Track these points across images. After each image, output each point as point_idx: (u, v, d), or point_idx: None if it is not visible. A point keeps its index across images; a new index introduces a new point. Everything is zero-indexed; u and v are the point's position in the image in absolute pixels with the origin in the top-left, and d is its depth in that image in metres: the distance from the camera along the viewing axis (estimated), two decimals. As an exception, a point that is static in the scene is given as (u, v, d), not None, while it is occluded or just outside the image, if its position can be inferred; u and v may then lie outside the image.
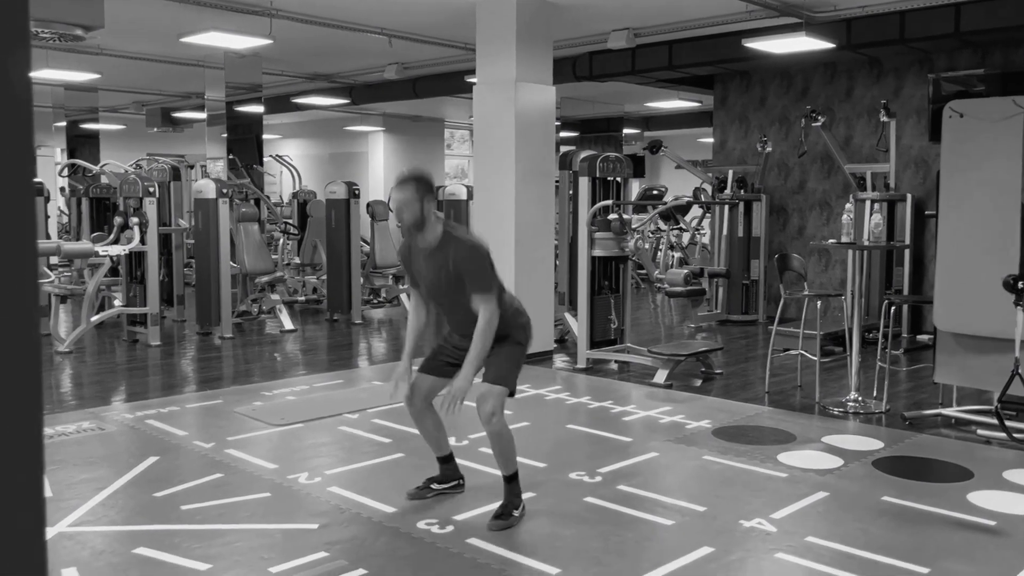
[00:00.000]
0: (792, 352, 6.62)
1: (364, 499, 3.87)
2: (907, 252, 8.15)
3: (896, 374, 6.69)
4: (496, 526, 3.52)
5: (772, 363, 6.42)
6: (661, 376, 6.40)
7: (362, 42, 9.02)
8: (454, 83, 10.65)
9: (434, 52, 9.55)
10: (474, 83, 7.52)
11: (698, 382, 6.55)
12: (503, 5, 7.09)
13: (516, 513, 3.60)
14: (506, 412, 5.43)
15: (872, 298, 8.07)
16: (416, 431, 3.94)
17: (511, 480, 3.65)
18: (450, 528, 3.54)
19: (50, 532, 3.48)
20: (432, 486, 3.89)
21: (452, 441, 4.64)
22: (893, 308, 6.06)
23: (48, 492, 3.97)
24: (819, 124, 8.09)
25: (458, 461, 3.99)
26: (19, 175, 0.75)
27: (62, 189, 11.66)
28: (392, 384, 3.65)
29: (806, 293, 6.33)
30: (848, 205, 5.96)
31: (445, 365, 3.69)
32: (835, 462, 4.51)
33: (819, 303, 6.24)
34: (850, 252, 5.89)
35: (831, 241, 6.06)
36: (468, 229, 3.62)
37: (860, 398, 5.69)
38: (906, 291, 8.17)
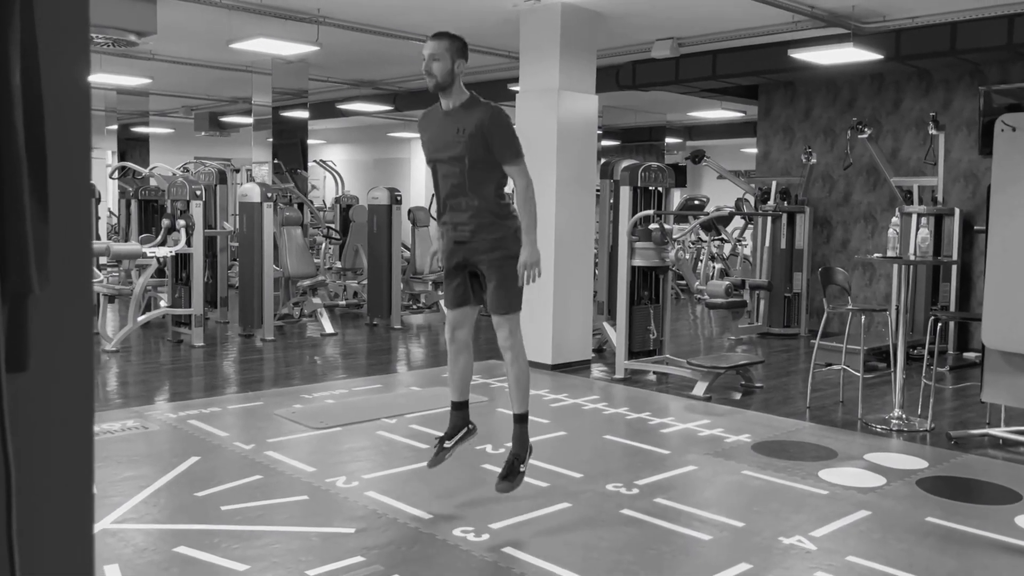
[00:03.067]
0: (835, 367, 6.52)
1: (401, 504, 3.89)
2: (954, 268, 8.00)
3: (941, 392, 6.56)
4: (503, 487, 3.56)
5: (814, 378, 6.33)
6: (700, 388, 6.35)
7: (407, 49, 9.10)
8: (497, 91, 10.67)
9: (478, 60, 9.58)
10: (517, 91, 7.54)
11: (738, 395, 6.48)
12: (548, 14, 7.11)
13: (523, 468, 3.67)
14: (543, 421, 5.46)
15: (917, 314, 7.93)
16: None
17: (521, 421, 3.71)
18: (486, 536, 3.54)
19: (95, 528, 3.54)
20: (445, 445, 3.90)
21: (488, 448, 4.66)
22: (939, 324, 5.95)
23: (93, 489, 4.04)
24: (865, 136, 7.98)
25: (493, 468, 3.99)
26: (78, 179, 0.77)
27: (123, 192, 11.91)
28: (431, 257, 3.80)
29: (850, 307, 6.24)
30: (894, 219, 5.87)
31: (463, 283, 3.70)
32: (878, 480, 4.43)
33: (863, 318, 6.14)
34: (896, 267, 5.80)
35: (876, 255, 5.97)
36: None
37: (904, 416, 5.59)
38: (953, 307, 8.02)
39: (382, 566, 3.23)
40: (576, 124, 7.23)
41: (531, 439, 4.98)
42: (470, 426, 3.96)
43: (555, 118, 7.06)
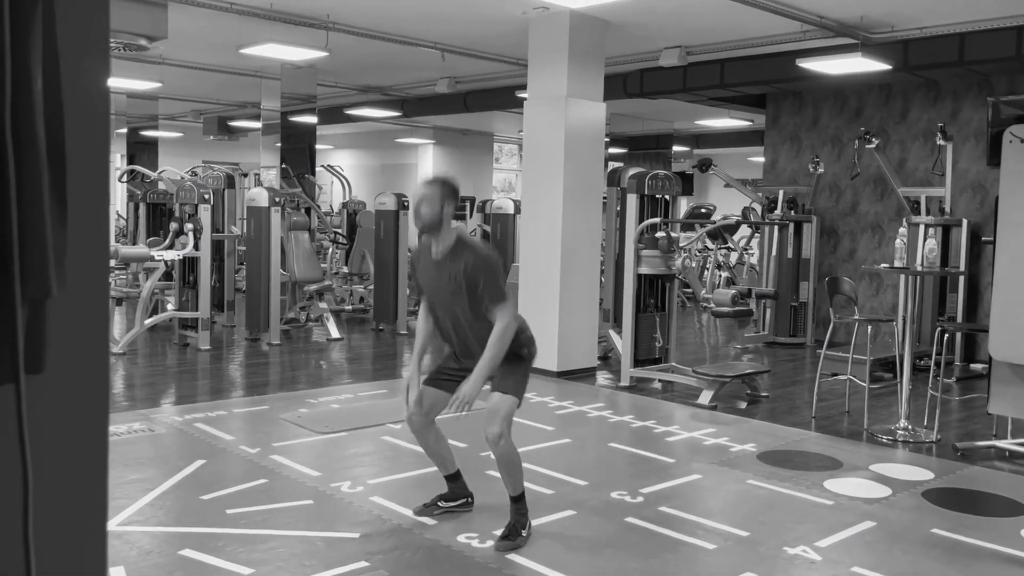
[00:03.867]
0: (841, 377, 6.51)
1: (405, 510, 3.89)
2: (962, 279, 7.98)
3: (948, 403, 6.54)
4: (504, 547, 3.47)
5: (820, 387, 6.32)
6: (706, 397, 6.34)
7: (415, 56, 9.14)
8: (505, 98, 10.72)
9: (486, 67, 9.62)
10: (525, 98, 7.56)
11: (743, 404, 6.47)
12: (556, 22, 7.13)
13: (524, 533, 3.56)
14: (548, 428, 5.46)
15: (924, 324, 7.91)
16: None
17: (518, 500, 3.60)
18: (490, 542, 3.54)
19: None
20: (439, 503, 3.86)
21: (492, 455, 4.66)
22: (946, 335, 5.94)
23: (99, 491, 4.06)
24: (873, 146, 7.97)
25: (497, 475, 3.98)
26: (97, 183, 0.78)
27: (131, 195, 11.95)
28: (404, 391, 3.66)
29: (856, 317, 6.23)
30: (901, 229, 5.87)
31: (448, 380, 3.64)
32: (883, 491, 4.42)
33: (869, 328, 6.13)
34: (902, 277, 5.79)
35: (883, 265, 5.96)
36: (480, 241, 3.62)
37: (910, 426, 5.58)
38: (960, 318, 8.00)
39: (386, 571, 3.24)
40: (584, 131, 7.24)
41: (537, 446, 5.01)
42: (469, 499, 3.89)
43: (563, 125, 7.07)
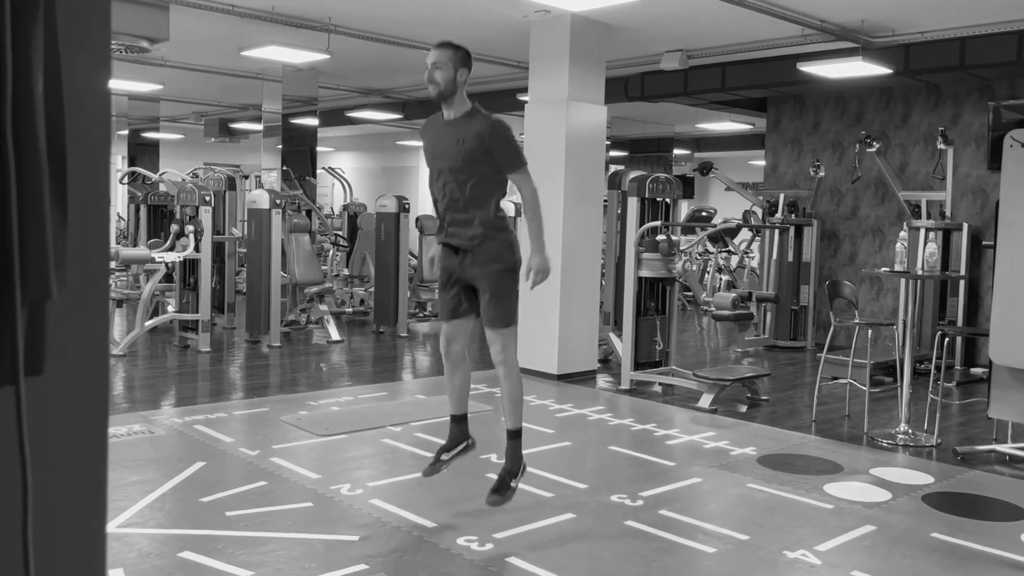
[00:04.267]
0: (841, 381, 6.51)
1: (405, 513, 3.89)
2: (962, 283, 7.98)
3: (948, 407, 6.54)
4: (494, 501, 3.53)
5: (820, 391, 6.32)
6: (706, 400, 6.34)
7: (417, 58, 9.11)
8: (506, 101, 10.72)
9: (487, 70, 9.63)
10: (526, 101, 7.57)
11: (744, 408, 6.47)
12: (557, 25, 7.14)
13: (514, 484, 3.64)
14: (548, 431, 5.46)
15: (925, 328, 7.91)
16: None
17: (515, 437, 3.67)
18: (490, 546, 3.54)
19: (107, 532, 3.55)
20: (442, 457, 3.88)
21: (493, 458, 4.66)
22: (946, 339, 5.93)
23: (99, 493, 4.06)
24: (874, 150, 7.98)
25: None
26: (97, 185, 0.78)
27: (132, 197, 11.96)
28: (428, 263, 3.80)
29: (857, 321, 6.23)
30: (902, 233, 5.87)
31: (460, 294, 3.66)
32: (883, 495, 4.42)
33: (869, 332, 6.13)
34: (903, 281, 5.79)
35: (884, 269, 5.96)
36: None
37: (910, 430, 5.58)
38: (960, 322, 7.99)
39: (385, 573, 3.24)
40: (584, 134, 7.25)
41: (537, 448, 5.01)
42: (469, 441, 3.93)
43: (564, 128, 7.08)
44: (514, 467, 3.72)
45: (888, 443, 5.49)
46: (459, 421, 3.93)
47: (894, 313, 8.57)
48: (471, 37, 8.20)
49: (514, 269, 3.62)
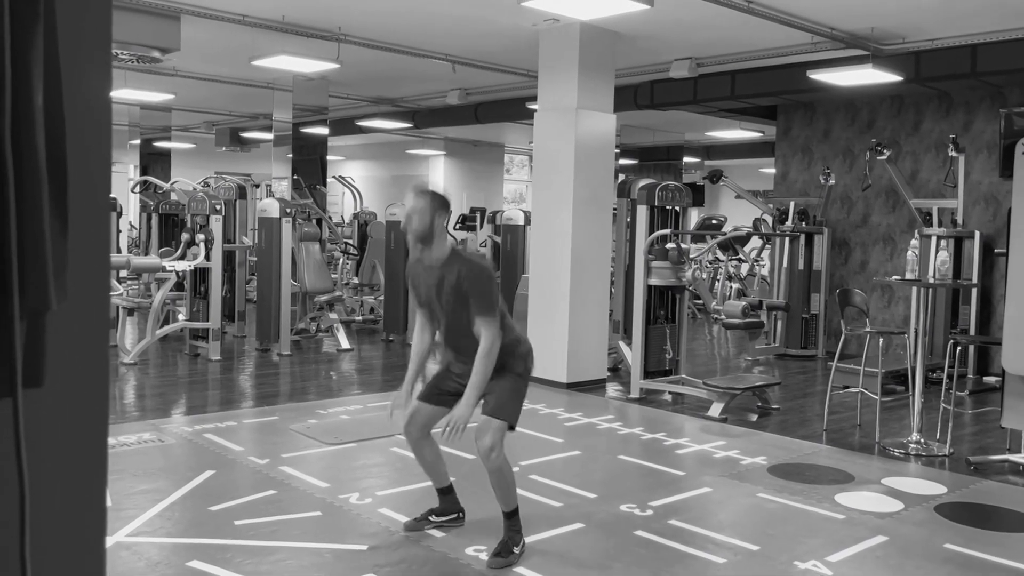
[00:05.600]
0: (852, 389, 6.47)
1: (413, 522, 3.87)
2: (974, 291, 7.93)
3: (960, 416, 6.49)
4: (496, 564, 3.41)
5: (831, 400, 6.28)
6: (716, 409, 6.31)
7: (426, 67, 9.17)
8: (515, 109, 10.74)
9: (496, 79, 9.65)
10: (535, 110, 7.58)
11: (754, 417, 6.44)
12: (566, 34, 7.15)
13: (516, 551, 3.49)
14: (557, 440, 5.44)
15: (937, 337, 7.86)
16: (439, 472, 3.82)
17: (511, 516, 3.54)
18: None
19: (109, 541, 3.55)
20: (431, 518, 3.80)
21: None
22: (959, 348, 5.89)
23: (108, 502, 4.06)
24: (884, 157, 7.94)
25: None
26: (98, 196, 0.78)
27: (144, 206, 12.02)
28: (389, 410, 3.60)
29: (868, 330, 6.19)
30: (913, 241, 5.83)
31: (445, 394, 3.60)
32: (895, 505, 4.38)
33: (881, 340, 6.09)
34: (915, 289, 5.75)
35: (895, 278, 5.92)
36: (476, 252, 3.56)
37: (922, 440, 5.53)
38: (973, 331, 7.94)
39: (394, 584, 3.23)
40: (594, 143, 7.24)
41: (546, 458, 5.00)
42: (460, 514, 3.84)
43: (573, 137, 7.08)
44: (515, 537, 3.56)
45: (900, 453, 5.45)
46: (446, 493, 3.83)
47: (906, 321, 8.51)
48: (480, 46, 8.24)
49: (522, 375, 3.54)
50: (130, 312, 9.36)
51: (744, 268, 13.95)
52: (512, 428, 3.49)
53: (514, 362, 3.51)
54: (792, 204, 9.46)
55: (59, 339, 0.70)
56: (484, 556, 3.51)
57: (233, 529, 3.74)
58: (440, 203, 3.44)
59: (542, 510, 4.10)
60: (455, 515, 3.84)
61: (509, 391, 3.48)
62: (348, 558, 3.47)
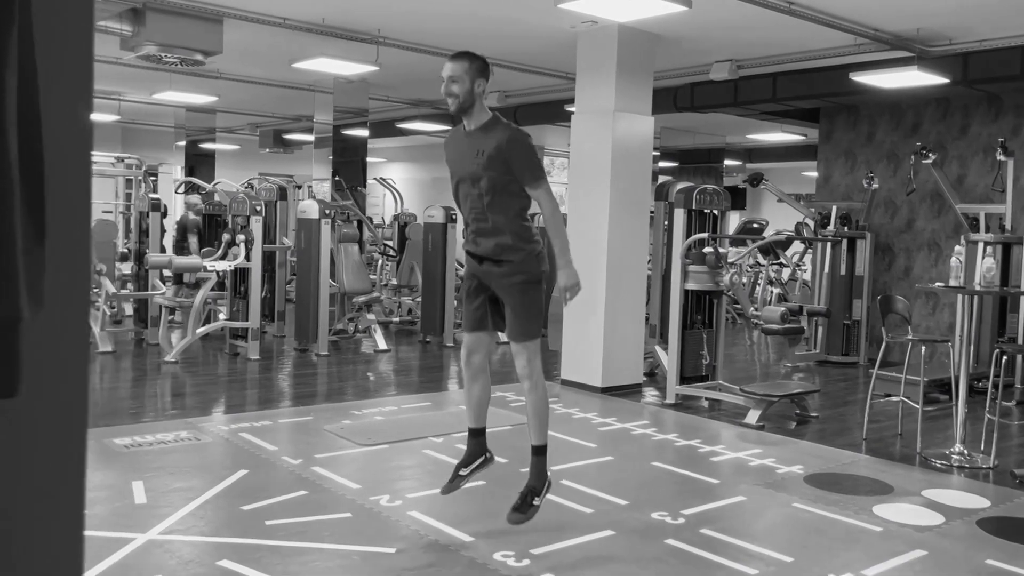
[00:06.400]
0: (894, 398, 6.33)
1: (443, 526, 3.87)
2: (1022, 299, 7.72)
3: (1006, 428, 6.31)
4: (514, 519, 3.44)
5: (871, 409, 6.16)
6: (753, 416, 6.22)
7: (465, 70, 9.17)
8: (554, 111, 10.72)
9: (535, 81, 9.63)
10: (573, 112, 7.54)
11: (792, 425, 6.34)
12: (604, 35, 7.11)
13: (537, 502, 3.53)
14: (590, 445, 5.41)
15: (983, 345, 7.67)
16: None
17: (540, 453, 3.58)
18: (526, 561, 3.50)
19: (141, 539, 3.61)
20: (460, 472, 3.80)
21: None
22: (1005, 357, 5.73)
23: (143, 499, 4.13)
24: (930, 161, 7.78)
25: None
26: (76, 203, 0.78)
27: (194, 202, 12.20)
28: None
29: (910, 337, 6.06)
30: (958, 247, 5.70)
31: (483, 312, 3.61)
32: (936, 519, 4.28)
33: (923, 348, 5.95)
34: (960, 297, 5.61)
35: (938, 284, 5.79)
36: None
37: (966, 451, 5.40)
38: (1020, 339, 7.72)
39: (420, 588, 3.22)
40: (631, 145, 7.19)
41: (578, 463, 4.97)
42: (487, 455, 3.84)
43: (610, 139, 7.04)
44: (537, 484, 3.62)
45: (942, 464, 5.32)
46: (477, 435, 3.84)
47: (951, 329, 8.32)
48: (519, 48, 8.22)
49: (539, 281, 3.55)
50: (171, 311, 9.51)
51: (786, 273, 13.75)
52: (544, 336, 3.59)
53: (530, 262, 3.50)
54: (834, 208, 9.30)
55: (36, 349, 0.69)
56: (512, 562, 3.50)
57: (264, 529, 3.76)
58: (480, 67, 3.40)
59: (572, 516, 4.07)
60: (482, 458, 3.83)
61: (528, 305, 3.51)
62: (376, 561, 3.48)
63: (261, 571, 3.31)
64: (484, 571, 3.42)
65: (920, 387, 5.95)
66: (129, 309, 9.80)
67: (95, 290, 8.68)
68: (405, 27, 7.62)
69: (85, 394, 0.79)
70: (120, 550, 3.47)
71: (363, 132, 11.48)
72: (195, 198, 10.12)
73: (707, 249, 6.77)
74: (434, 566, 3.46)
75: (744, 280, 13.10)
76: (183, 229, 9.86)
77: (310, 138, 12.69)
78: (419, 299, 10.38)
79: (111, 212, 14.33)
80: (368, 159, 12.22)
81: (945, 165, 8.75)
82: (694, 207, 7.02)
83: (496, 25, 7.40)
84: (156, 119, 15.19)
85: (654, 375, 7.97)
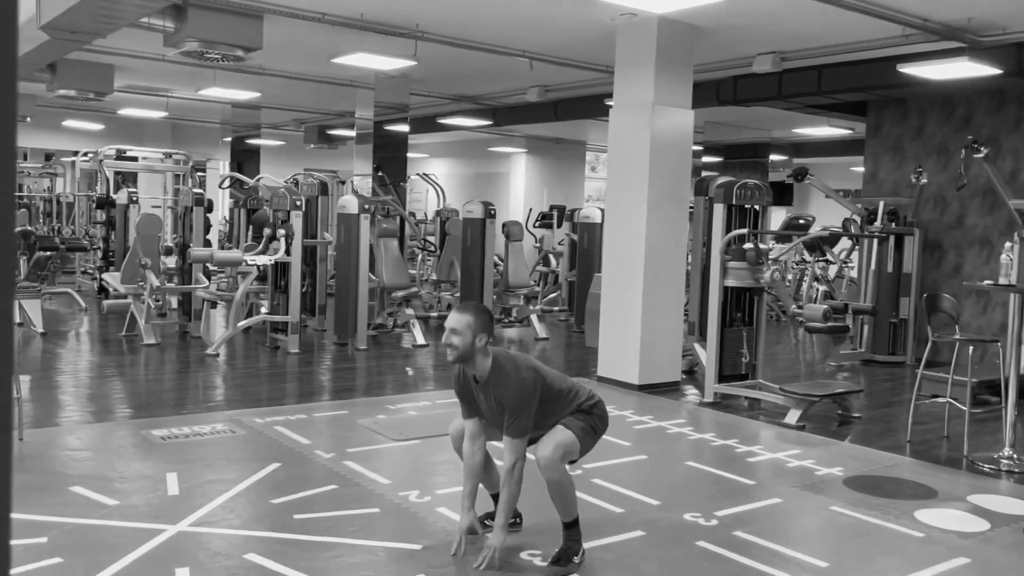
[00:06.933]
0: (940, 399, 6.15)
1: (470, 523, 3.83)
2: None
3: (1060, 431, 6.09)
4: (552, 572, 3.35)
5: (917, 410, 5.99)
6: (793, 416, 6.09)
7: (504, 64, 9.14)
8: (594, 106, 10.62)
9: (575, 75, 9.55)
10: (611, 106, 7.46)
11: (833, 425, 6.19)
12: (644, 28, 7.00)
13: (576, 560, 3.40)
14: (624, 443, 5.33)
15: (1036, 345, 7.40)
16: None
17: (571, 527, 3.44)
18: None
19: (172, 530, 3.64)
20: (486, 522, 3.70)
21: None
22: (1059, 358, 5.52)
23: (176, 490, 4.16)
24: (982, 156, 7.52)
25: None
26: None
27: (236, 201, 12.35)
28: (455, 542, 3.45)
29: (957, 337, 5.87)
30: (1008, 244, 5.51)
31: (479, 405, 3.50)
32: (981, 525, 4.13)
33: (971, 348, 5.76)
34: (1012, 295, 5.42)
35: (987, 282, 5.60)
36: (521, 360, 3.40)
37: (1015, 455, 5.21)
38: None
39: (444, 586, 3.19)
40: (671, 139, 7.08)
41: (611, 461, 4.90)
42: (517, 519, 3.74)
43: (648, 133, 6.93)
44: (574, 547, 3.47)
45: (990, 468, 5.15)
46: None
47: (1003, 329, 8.07)
48: (558, 41, 8.15)
49: (598, 429, 3.51)
50: (213, 304, 9.64)
51: (832, 270, 13.47)
52: (573, 461, 3.46)
53: (592, 419, 3.49)
54: (881, 204, 9.07)
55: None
56: (538, 561, 3.45)
57: (292, 523, 3.77)
58: (483, 322, 3.38)
59: (602, 515, 4.01)
60: (512, 520, 3.76)
61: (581, 426, 3.43)
62: (401, 557, 3.46)
63: (286, 565, 3.31)
64: (510, 569, 3.37)
65: (967, 388, 5.77)
66: (174, 302, 9.95)
67: (140, 283, 8.82)
68: (444, 21, 7.60)
69: (8, 410, 0.76)
70: (150, 541, 3.50)
71: (404, 128, 11.50)
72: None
73: (747, 245, 6.64)
74: (459, 564, 3.42)
75: (789, 277, 12.87)
76: (259, 224, 9.94)
77: (353, 134, 12.75)
78: (458, 294, 10.36)
79: (160, 207, 14.59)
80: (411, 155, 12.26)
81: (998, 159, 8.48)
82: (734, 202, 6.89)
83: (535, 18, 7.34)
84: (203, 115, 15.41)
85: (693, 373, 7.86)
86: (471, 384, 3.46)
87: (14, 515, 3.56)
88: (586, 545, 3.60)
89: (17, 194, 19.28)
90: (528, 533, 3.74)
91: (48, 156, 17.66)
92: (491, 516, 3.74)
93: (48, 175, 18.11)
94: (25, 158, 18.09)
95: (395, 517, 3.93)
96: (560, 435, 3.35)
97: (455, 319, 3.38)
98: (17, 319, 9.33)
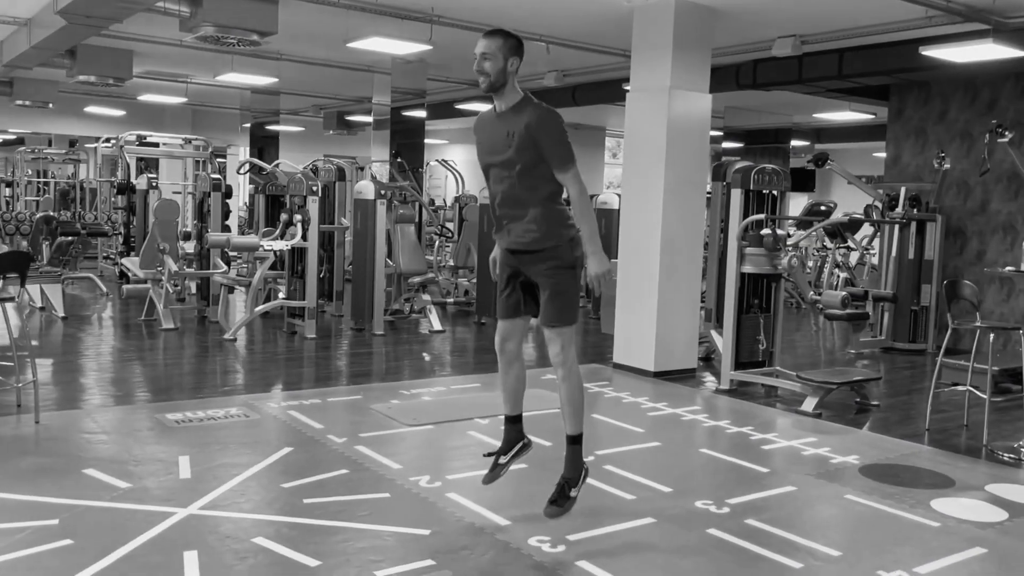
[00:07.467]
0: (960, 388, 6.06)
1: (480, 508, 3.83)
2: (1106, 284, 7.31)
3: (1083, 420, 5.99)
4: (551, 512, 3.37)
5: (936, 398, 5.90)
6: (810, 404, 6.03)
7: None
8: (612, 91, 10.54)
9: (592, 59, 9.48)
10: (628, 90, 7.39)
11: (851, 413, 6.12)
12: (661, 11, 6.92)
13: (574, 493, 3.45)
14: (638, 430, 5.30)
15: (1060, 333, 7.28)
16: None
17: (574, 443, 3.49)
18: (561, 548, 3.44)
19: (182, 513, 3.65)
20: (500, 461, 3.72)
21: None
22: (1082, 347, 5.43)
23: (188, 474, 4.18)
24: (1006, 140, 7.39)
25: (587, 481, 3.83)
26: None
27: (256, 187, 12.36)
28: (491, 263, 3.68)
29: (977, 324, 5.78)
30: (1032, 230, 5.40)
31: (516, 299, 3.55)
32: (999, 515, 4.07)
33: (991, 336, 5.67)
34: (1032, 282, 5.32)
35: (1009, 269, 5.50)
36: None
37: (1036, 444, 5.13)
38: (1102, 328, 7.32)
39: (450, 571, 3.18)
40: (688, 124, 7.00)
41: (624, 448, 4.88)
42: (525, 441, 3.76)
43: (665, 117, 6.86)
44: (573, 475, 3.54)
45: (1010, 457, 5.07)
46: (514, 422, 3.75)
47: (1026, 316, 7.95)
48: (575, 25, 8.08)
49: (574, 267, 3.46)
50: (230, 289, 9.68)
51: (853, 257, 13.32)
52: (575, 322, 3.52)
53: (564, 249, 3.41)
54: (903, 189, 8.94)
55: None
56: (547, 548, 3.43)
57: (302, 507, 3.78)
58: (514, 45, 3.33)
59: (612, 502, 3.99)
60: (520, 444, 3.76)
61: (561, 290, 3.43)
62: (409, 542, 3.45)
63: (294, 550, 3.32)
64: (516, 556, 3.36)
65: (988, 376, 5.68)
66: (193, 287, 10.00)
67: (159, 268, 8.88)
68: (459, 4, 7.55)
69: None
70: (160, 524, 3.52)
71: (421, 113, 11.48)
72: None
73: (765, 231, 6.56)
74: (466, 549, 3.42)
75: (809, 264, 12.74)
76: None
77: (370, 120, 12.74)
78: (475, 280, 10.35)
79: (180, 192, 14.67)
80: (429, 141, 12.23)
81: (1023, 144, 8.32)
82: (752, 187, 6.81)
83: (551, 2, 7.27)
84: (223, 101, 15.46)
85: (710, 360, 7.81)
86: (493, 123, 3.41)
87: (26, 497, 3.57)
88: (595, 532, 3.59)
89: (43, 180, 19.39)
90: (536, 520, 3.71)
91: (72, 142, 17.80)
92: (500, 453, 3.75)
93: (72, 161, 18.25)
94: (50, 144, 18.25)
95: (405, 502, 3.92)
96: (561, 331, 3.42)
97: (485, 43, 3.32)
98: (39, 303, 9.42)
